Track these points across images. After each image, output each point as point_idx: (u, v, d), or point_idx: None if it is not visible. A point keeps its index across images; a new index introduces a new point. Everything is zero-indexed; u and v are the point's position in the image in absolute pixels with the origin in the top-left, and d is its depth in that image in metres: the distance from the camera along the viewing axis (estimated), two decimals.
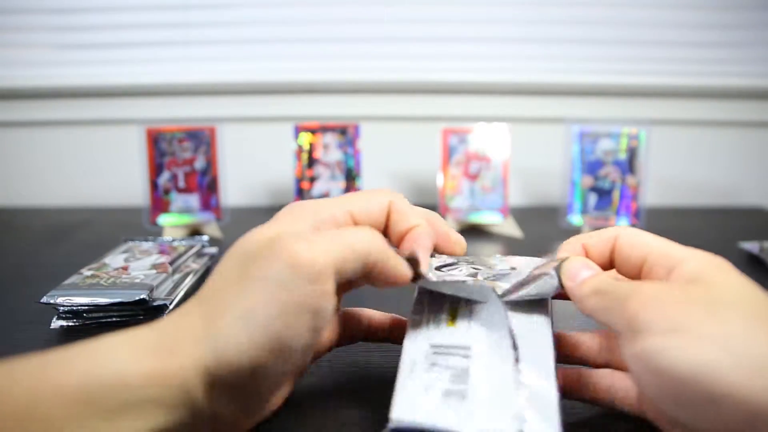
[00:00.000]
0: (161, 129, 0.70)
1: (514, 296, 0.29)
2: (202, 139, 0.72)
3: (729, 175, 0.96)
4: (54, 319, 0.42)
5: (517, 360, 0.26)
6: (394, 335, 0.33)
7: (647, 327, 0.22)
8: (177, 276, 0.49)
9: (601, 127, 0.73)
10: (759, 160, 0.95)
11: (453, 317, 0.29)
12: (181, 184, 0.72)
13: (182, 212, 0.72)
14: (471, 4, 0.89)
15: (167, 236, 0.64)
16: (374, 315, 0.33)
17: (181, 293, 0.47)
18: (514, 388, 0.25)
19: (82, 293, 0.42)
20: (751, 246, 0.61)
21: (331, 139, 0.75)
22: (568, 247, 0.30)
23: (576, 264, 0.28)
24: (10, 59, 0.90)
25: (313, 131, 0.75)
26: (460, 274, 0.31)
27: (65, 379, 0.21)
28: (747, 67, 0.92)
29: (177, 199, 0.72)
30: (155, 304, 0.43)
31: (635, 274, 0.28)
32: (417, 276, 0.28)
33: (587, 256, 0.29)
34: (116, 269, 0.47)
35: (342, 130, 0.75)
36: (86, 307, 0.41)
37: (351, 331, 0.32)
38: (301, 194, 0.75)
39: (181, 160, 0.71)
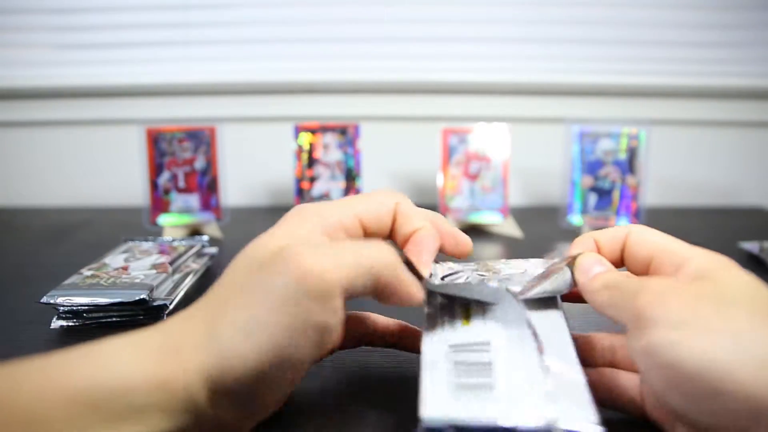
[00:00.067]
0: (161, 129, 0.70)
1: (528, 294, 0.29)
2: (202, 139, 0.72)
3: (729, 175, 0.96)
4: (54, 319, 0.42)
5: (540, 350, 0.26)
6: (401, 342, 0.32)
7: (655, 321, 0.23)
8: (177, 276, 0.49)
9: (601, 127, 0.73)
10: (759, 160, 0.95)
11: (467, 317, 0.29)
12: (181, 184, 0.72)
13: (182, 212, 0.72)
14: (471, 4, 0.89)
15: (167, 236, 0.64)
16: (379, 319, 0.33)
17: (181, 293, 0.47)
18: (541, 376, 0.24)
19: (82, 293, 0.42)
20: (751, 246, 0.61)
21: (331, 139, 0.75)
22: (581, 243, 0.30)
23: (589, 260, 0.28)
24: (10, 59, 0.90)
25: (313, 131, 0.75)
26: (466, 281, 0.31)
27: (68, 383, 0.21)
28: (747, 67, 0.92)
29: (177, 199, 0.72)
30: (155, 304, 0.43)
31: (644, 271, 0.28)
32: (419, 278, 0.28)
33: (599, 252, 0.30)
34: (116, 269, 0.47)
35: (342, 130, 0.75)
36: (86, 307, 0.41)
37: (355, 334, 0.32)
38: (301, 194, 0.75)
39: (181, 160, 0.71)
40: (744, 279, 0.24)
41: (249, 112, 0.91)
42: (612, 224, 0.73)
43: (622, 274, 0.27)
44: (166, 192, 0.71)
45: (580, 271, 0.28)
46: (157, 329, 0.24)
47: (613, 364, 0.29)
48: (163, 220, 0.71)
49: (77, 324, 0.42)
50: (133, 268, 0.47)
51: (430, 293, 0.30)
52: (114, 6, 0.89)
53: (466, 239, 0.31)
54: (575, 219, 0.74)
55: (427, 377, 0.25)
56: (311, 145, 0.75)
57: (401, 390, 0.32)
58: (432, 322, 0.29)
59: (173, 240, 0.57)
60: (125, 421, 0.21)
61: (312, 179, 0.75)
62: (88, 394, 0.21)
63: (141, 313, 0.43)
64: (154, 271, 0.46)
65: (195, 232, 0.71)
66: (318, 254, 0.24)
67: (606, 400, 0.28)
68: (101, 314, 0.42)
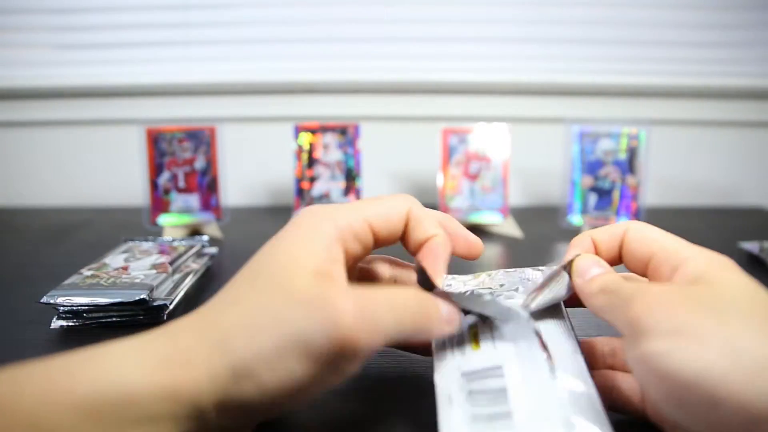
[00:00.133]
0: (161, 129, 0.70)
1: (531, 307, 0.29)
2: (202, 139, 0.72)
3: (729, 175, 0.96)
4: (54, 319, 0.42)
5: (551, 368, 0.26)
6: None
7: (650, 329, 0.22)
8: (177, 276, 0.49)
9: (601, 127, 0.73)
10: (759, 160, 0.95)
11: (476, 340, 0.29)
12: (181, 184, 0.72)
13: (182, 212, 0.72)
14: (471, 4, 0.89)
15: (167, 236, 0.64)
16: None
17: (181, 293, 0.47)
18: (555, 397, 0.24)
19: (82, 293, 0.42)
20: (751, 246, 0.61)
21: (331, 139, 0.75)
22: (579, 242, 0.30)
23: (586, 261, 0.28)
24: (10, 59, 0.90)
25: (313, 131, 0.75)
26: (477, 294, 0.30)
27: (73, 389, 0.21)
28: (747, 67, 0.92)
29: (177, 199, 0.72)
30: (155, 304, 0.43)
31: (642, 269, 0.28)
32: (432, 288, 0.28)
33: (597, 250, 0.30)
34: (116, 269, 0.47)
35: (342, 130, 0.75)
36: (86, 307, 0.41)
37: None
38: (301, 194, 0.75)
39: (181, 160, 0.71)
40: (741, 282, 0.24)
41: (249, 112, 0.91)
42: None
43: (619, 277, 0.27)
44: (166, 192, 0.71)
45: (577, 273, 0.28)
46: (163, 335, 0.24)
47: (614, 367, 0.29)
48: (163, 220, 0.71)
49: (77, 324, 0.42)
50: (133, 268, 0.47)
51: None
52: (114, 6, 0.89)
53: (477, 241, 0.31)
54: (575, 219, 0.74)
55: (444, 412, 0.25)
56: (311, 145, 0.75)
57: (401, 390, 0.32)
58: (441, 348, 0.29)
59: (173, 240, 0.57)
60: (131, 430, 0.21)
61: (312, 179, 0.75)
62: (93, 401, 0.21)
63: (141, 313, 0.43)
64: (154, 271, 0.46)
65: (195, 232, 0.71)
66: (357, 317, 0.23)
67: (606, 402, 0.28)
68: (101, 314, 0.42)
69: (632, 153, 0.73)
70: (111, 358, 0.23)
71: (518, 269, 0.33)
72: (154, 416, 0.22)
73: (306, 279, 0.24)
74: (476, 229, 0.74)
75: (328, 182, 0.76)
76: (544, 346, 0.27)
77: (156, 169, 0.71)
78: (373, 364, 0.35)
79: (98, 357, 0.23)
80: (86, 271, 0.46)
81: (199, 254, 0.56)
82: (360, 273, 0.31)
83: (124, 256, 0.50)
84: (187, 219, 0.72)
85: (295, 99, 0.91)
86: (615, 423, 0.24)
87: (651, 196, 0.87)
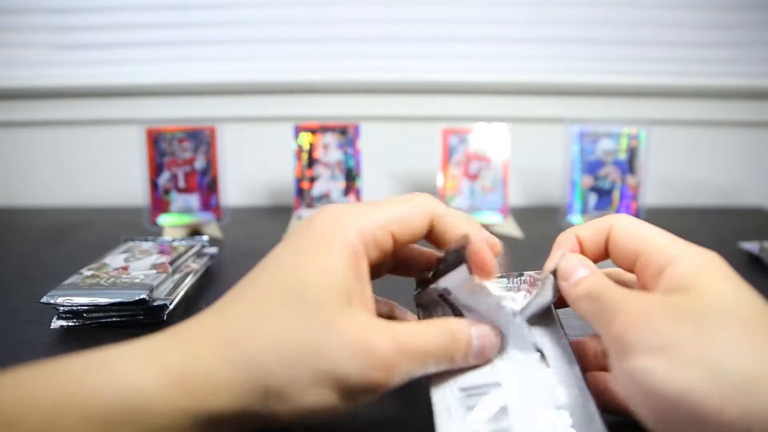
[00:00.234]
0: (161, 129, 0.70)
1: (525, 314, 0.28)
2: (202, 139, 0.72)
3: (729, 175, 0.96)
4: (54, 319, 0.42)
5: (550, 380, 0.26)
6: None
7: (633, 346, 0.22)
8: (177, 276, 0.49)
9: (601, 127, 0.73)
10: (759, 160, 0.95)
11: None
12: (181, 184, 0.72)
13: (182, 212, 0.72)
14: (471, 4, 0.89)
15: (167, 236, 0.64)
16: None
17: (181, 293, 0.47)
18: (554, 411, 0.24)
19: (82, 293, 0.42)
20: (751, 246, 0.61)
21: (331, 139, 0.75)
22: (563, 240, 0.30)
23: (570, 263, 0.28)
24: (10, 59, 0.90)
25: (313, 131, 0.75)
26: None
27: (84, 401, 0.21)
28: (747, 67, 0.92)
29: (177, 199, 0.72)
30: (155, 304, 0.43)
31: (629, 265, 0.27)
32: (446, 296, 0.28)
33: (582, 248, 0.29)
34: (116, 269, 0.47)
35: (342, 130, 0.75)
36: (86, 307, 0.41)
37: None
38: (301, 194, 0.75)
39: (181, 160, 0.71)
40: (729, 287, 0.23)
41: (249, 112, 0.91)
42: None
43: (605, 280, 0.26)
44: (166, 192, 0.71)
45: (561, 276, 0.27)
46: (178, 345, 0.23)
47: (606, 368, 0.29)
48: (163, 220, 0.71)
49: (77, 324, 0.42)
50: (133, 268, 0.47)
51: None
52: (114, 6, 0.89)
53: (497, 243, 0.30)
54: (575, 219, 0.74)
55: (443, 425, 0.25)
56: (311, 145, 0.75)
57: (398, 393, 0.32)
58: None
59: (173, 240, 0.57)
60: None
61: (312, 179, 0.75)
62: (105, 413, 0.20)
63: (141, 313, 0.43)
64: (154, 271, 0.46)
65: (195, 232, 0.71)
66: (393, 357, 0.23)
67: (599, 404, 0.28)
68: (101, 314, 0.42)
69: (632, 153, 0.73)
70: (124, 367, 0.22)
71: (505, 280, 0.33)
72: (171, 428, 0.21)
73: (341, 308, 0.24)
74: None
75: (328, 182, 0.76)
76: (540, 353, 0.26)
77: (156, 169, 0.71)
78: None
79: (110, 365, 0.22)
80: (86, 271, 0.46)
81: (199, 254, 0.56)
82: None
83: (124, 256, 0.50)
84: (187, 219, 0.72)
85: (295, 99, 0.91)
86: (610, 425, 0.24)
87: (651, 196, 0.88)
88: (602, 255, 0.29)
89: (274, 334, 0.23)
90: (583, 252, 0.29)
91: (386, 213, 0.27)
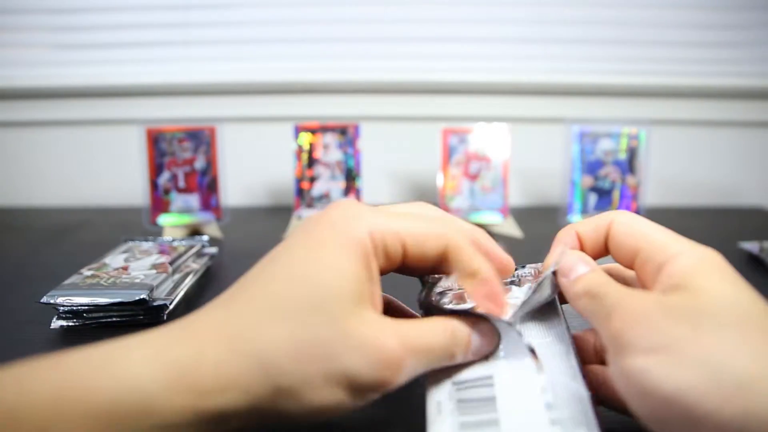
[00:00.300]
0: (161, 129, 0.70)
1: (520, 312, 0.28)
2: (202, 139, 0.72)
3: (729, 175, 0.96)
4: (54, 319, 0.42)
5: (542, 377, 0.26)
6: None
7: (629, 345, 0.22)
8: (177, 276, 0.49)
9: (601, 127, 0.73)
10: (759, 160, 0.95)
11: None
12: (181, 184, 0.72)
13: (182, 212, 0.72)
14: (471, 4, 0.89)
15: (167, 236, 0.64)
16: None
17: (181, 293, 0.47)
18: (543, 403, 0.24)
19: (82, 293, 0.42)
20: (751, 246, 0.61)
21: (331, 139, 0.75)
22: (563, 237, 0.30)
23: (570, 260, 0.28)
24: (10, 59, 0.90)
25: (313, 131, 0.75)
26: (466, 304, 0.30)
27: (87, 397, 0.20)
28: (747, 67, 0.92)
29: (177, 199, 0.72)
30: (155, 304, 0.43)
31: (629, 262, 0.27)
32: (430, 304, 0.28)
33: (581, 244, 0.29)
34: (116, 269, 0.47)
35: (342, 130, 0.75)
36: (86, 307, 0.41)
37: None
38: (301, 194, 0.75)
39: (181, 160, 0.71)
40: (728, 287, 0.23)
41: (249, 112, 0.91)
42: None
43: (605, 277, 0.26)
44: (166, 192, 0.71)
45: (561, 272, 0.28)
46: (184, 340, 0.23)
47: (605, 362, 0.29)
48: (163, 220, 0.71)
49: (77, 324, 0.42)
50: (133, 268, 0.47)
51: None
52: (114, 6, 0.89)
53: (510, 262, 0.30)
54: (575, 219, 0.74)
55: (433, 420, 0.25)
56: (311, 145, 0.75)
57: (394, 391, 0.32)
58: None
59: (173, 240, 0.57)
60: None
61: (312, 179, 0.75)
62: (108, 409, 0.20)
63: (141, 313, 0.43)
64: (154, 271, 0.46)
65: (195, 232, 0.71)
66: (400, 356, 0.24)
67: (598, 397, 0.28)
68: (101, 314, 0.42)
69: (632, 153, 0.73)
70: (127, 362, 0.22)
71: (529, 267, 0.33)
72: (175, 425, 0.21)
73: (351, 308, 0.24)
74: None
75: (328, 182, 0.76)
76: (532, 351, 0.27)
77: (156, 169, 0.71)
78: None
79: (113, 360, 0.22)
80: (86, 271, 0.46)
81: (199, 254, 0.56)
82: None
83: (124, 256, 0.50)
84: (187, 219, 0.72)
85: (295, 99, 0.91)
86: (606, 419, 0.24)
87: (651, 196, 0.88)
88: (602, 251, 0.29)
89: (286, 331, 0.23)
90: (583, 248, 0.29)
91: (401, 223, 0.26)
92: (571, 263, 0.27)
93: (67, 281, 0.44)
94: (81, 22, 0.89)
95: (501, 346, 0.28)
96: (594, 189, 0.74)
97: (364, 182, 0.78)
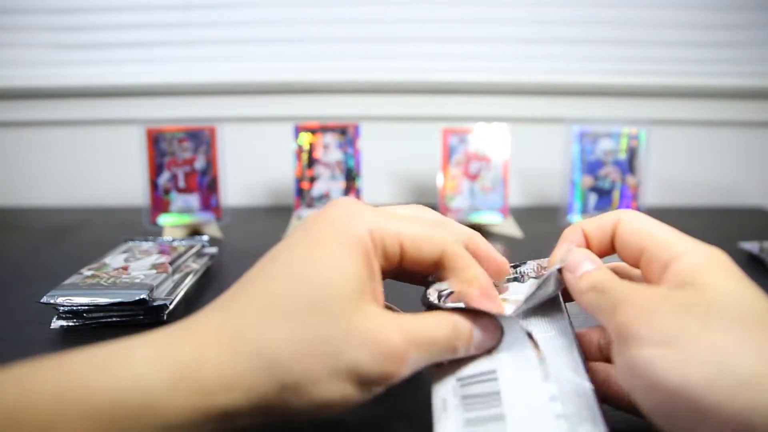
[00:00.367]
0: (161, 129, 0.70)
1: (523, 307, 0.29)
2: (202, 139, 0.72)
3: (729, 175, 0.96)
4: (54, 319, 0.42)
5: (543, 366, 0.26)
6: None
7: (636, 337, 0.22)
8: (177, 276, 0.49)
9: (601, 127, 0.73)
10: (759, 160, 0.95)
11: None
12: (181, 184, 0.72)
13: (182, 212, 0.72)
14: (471, 4, 0.89)
15: (167, 236, 0.64)
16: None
17: (181, 293, 0.47)
18: (548, 396, 0.24)
19: (82, 293, 0.42)
20: (751, 246, 0.61)
21: (331, 139, 0.75)
22: (569, 234, 0.30)
23: (578, 256, 0.28)
24: (10, 59, 0.90)
25: (313, 131, 0.75)
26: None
27: (88, 396, 0.20)
28: (747, 67, 0.92)
29: (177, 199, 0.72)
30: (155, 304, 0.43)
31: (635, 260, 0.27)
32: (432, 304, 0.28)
33: (587, 242, 0.29)
34: (116, 269, 0.47)
35: (342, 130, 0.75)
36: (86, 307, 0.41)
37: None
38: (301, 194, 0.75)
39: (181, 160, 0.71)
40: (734, 284, 0.23)
41: (249, 112, 0.91)
42: None
43: (611, 274, 0.26)
44: (166, 192, 0.71)
45: (568, 268, 0.28)
46: (187, 341, 0.23)
47: (608, 360, 0.29)
48: (163, 220, 0.71)
49: (77, 324, 0.42)
50: (133, 268, 0.47)
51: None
52: (114, 6, 0.89)
53: (504, 264, 0.30)
54: (575, 219, 0.74)
55: (438, 418, 0.25)
56: (311, 145, 0.75)
57: (399, 390, 0.32)
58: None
59: (173, 240, 0.57)
60: None
61: (312, 179, 0.75)
62: (111, 411, 0.20)
63: (141, 313, 0.43)
64: (154, 271, 0.46)
65: (195, 232, 0.71)
66: (403, 349, 0.24)
67: (600, 395, 0.28)
68: (101, 314, 0.42)
69: (632, 153, 0.73)
70: (129, 362, 0.22)
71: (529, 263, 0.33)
72: (179, 425, 0.21)
73: (353, 304, 0.24)
74: (476, 230, 0.74)
75: (328, 182, 0.76)
76: (535, 344, 0.27)
77: (156, 169, 0.71)
78: None
79: (115, 361, 0.22)
80: (86, 271, 0.46)
81: (199, 254, 0.56)
82: None
83: (124, 256, 0.50)
84: (187, 219, 0.72)
85: (295, 99, 0.91)
86: (610, 418, 0.24)
87: (651, 196, 0.88)
88: (608, 250, 0.29)
89: (286, 330, 0.23)
90: (589, 246, 0.29)
91: (400, 225, 0.27)
92: (577, 260, 0.28)
93: (67, 281, 0.44)
94: (81, 22, 0.89)
95: (503, 340, 0.28)
96: (594, 189, 0.74)
97: (364, 182, 0.78)
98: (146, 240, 0.57)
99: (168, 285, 0.46)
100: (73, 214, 0.85)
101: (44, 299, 0.41)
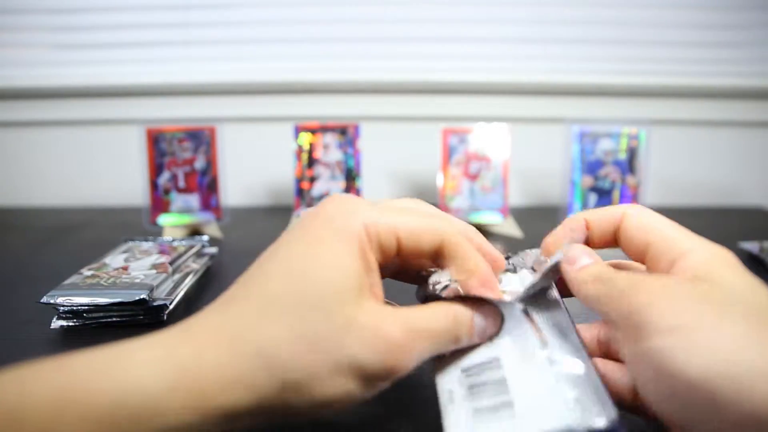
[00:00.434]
0: (161, 129, 0.70)
1: (529, 292, 0.29)
2: (202, 139, 0.72)
3: (729, 175, 0.96)
4: (54, 319, 0.42)
5: (546, 349, 0.26)
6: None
7: (651, 324, 0.21)
8: (177, 276, 0.49)
9: (601, 127, 0.73)
10: (759, 160, 0.95)
11: None
12: (181, 184, 0.72)
13: (182, 212, 0.72)
14: (471, 4, 0.89)
15: (167, 236, 0.64)
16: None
17: (181, 293, 0.47)
18: (553, 379, 0.24)
19: (82, 293, 0.42)
20: (751, 246, 0.61)
21: (331, 139, 0.75)
22: (570, 222, 0.29)
23: (576, 251, 0.28)
24: (10, 59, 0.90)
25: (313, 131, 0.75)
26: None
27: (89, 398, 0.20)
28: (747, 67, 0.92)
29: (177, 199, 0.72)
30: (155, 304, 0.43)
31: (640, 256, 0.27)
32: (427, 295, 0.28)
33: (589, 232, 0.29)
34: (116, 269, 0.47)
35: (342, 130, 0.75)
36: (86, 307, 0.41)
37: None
38: (301, 194, 0.75)
39: (181, 160, 0.71)
40: (743, 280, 0.23)
41: (249, 112, 0.91)
42: None
43: (610, 267, 0.26)
44: (166, 192, 0.71)
45: (567, 260, 0.27)
46: (187, 342, 0.23)
47: (608, 356, 0.28)
48: (163, 220, 0.71)
49: (77, 324, 0.42)
50: (133, 268, 0.47)
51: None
52: (114, 6, 0.89)
53: (500, 258, 0.30)
54: None
55: (447, 410, 0.25)
56: (311, 145, 0.75)
57: (404, 385, 0.32)
58: None
59: (173, 240, 0.57)
60: None
61: (312, 179, 0.75)
62: (112, 412, 0.20)
63: (141, 313, 0.43)
64: (154, 271, 0.46)
65: (195, 232, 0.71)
66: (404, 343, 0.24)
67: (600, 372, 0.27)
68: (101, 314, 0.42)
69: (632, 153, 0.73)
70: (129, 364, 0.22)
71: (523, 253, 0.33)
72: (180, 426, 0.21)
73: (352, 299, 0.24)
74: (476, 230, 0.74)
75: (328, 182, 0.76)
76: (537, 329, 0.27)
77: (156, 169, 0.71)
78: None
79: (115, 363, 0.22)
80: (86, 271, 0.46)
81: (199, 254, 0.56)
82: None
83: (124, 256, 0.50)
84: (187, 219, 0.72)
85: (295, 99, 0.91)
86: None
87: (651, 196, 0.88)
88: (609, 242, 0.29)
89: (285, 327, 0.23)
90: (590, 236, 0.29)
91: (396, 218, 0.27)
92: (576, 254, 0.27)
93: (67, 281, 0.44)
94: (81, 22, 0.89)
95: (503, 327, 0.28)
96: (594, 189, 0.74)
97: (364, 182, 0.78)
98: (146, 240, 0.57)
99: (168, 285, 0.46)
100: (73, 214, 0.85)
101: (44, 299, 0.41)
